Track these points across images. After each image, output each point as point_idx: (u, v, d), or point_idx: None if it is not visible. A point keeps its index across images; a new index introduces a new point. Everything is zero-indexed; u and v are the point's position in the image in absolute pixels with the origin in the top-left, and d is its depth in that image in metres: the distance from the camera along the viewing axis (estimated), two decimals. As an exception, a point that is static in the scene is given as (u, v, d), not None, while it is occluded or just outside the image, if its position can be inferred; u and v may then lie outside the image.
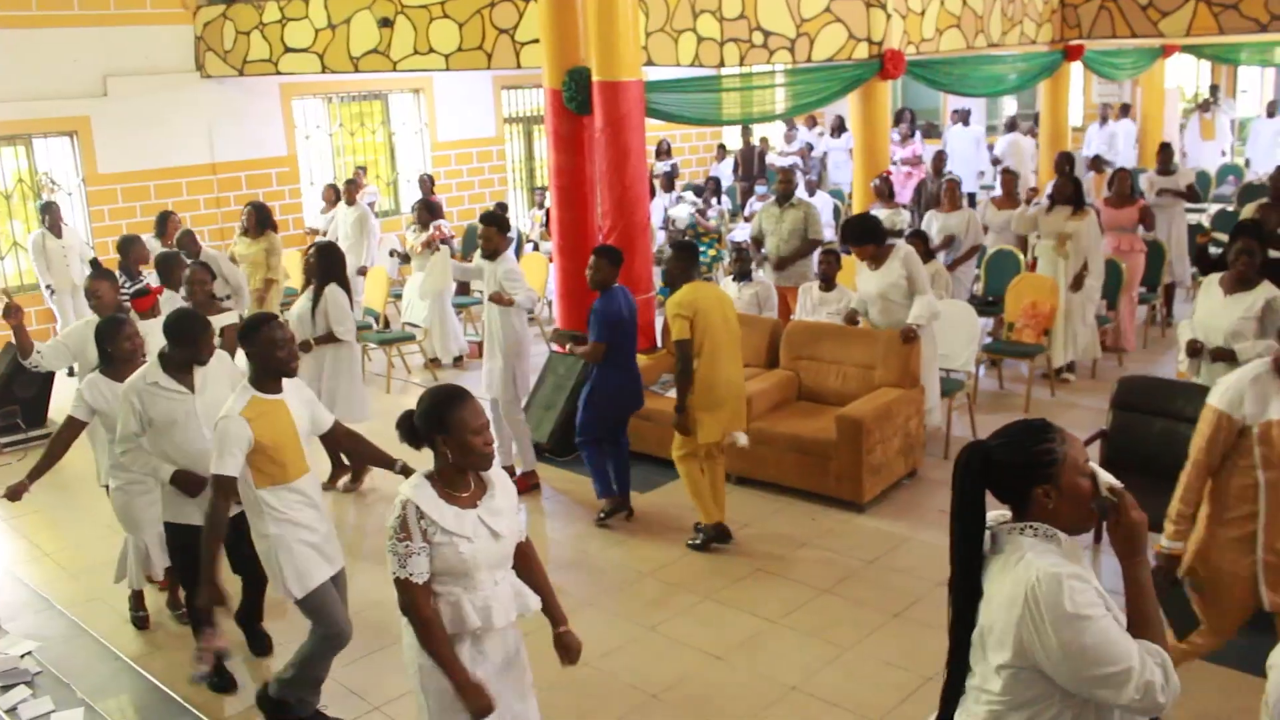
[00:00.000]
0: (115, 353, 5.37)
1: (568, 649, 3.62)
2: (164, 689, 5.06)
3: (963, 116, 16.31)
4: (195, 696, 5.04)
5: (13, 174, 11.96)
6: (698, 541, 6.47)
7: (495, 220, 7.27)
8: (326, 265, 7.21)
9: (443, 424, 3.30)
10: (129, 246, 8.85)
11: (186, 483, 4.90)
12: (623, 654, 5.33)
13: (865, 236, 7.43)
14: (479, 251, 7.40)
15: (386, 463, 4.69)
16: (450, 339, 10.70)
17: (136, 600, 5.92)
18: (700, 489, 6.42)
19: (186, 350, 4.93)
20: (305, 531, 4.45)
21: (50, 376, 8.53)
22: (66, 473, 5.97)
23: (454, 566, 3.31)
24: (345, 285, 7.27)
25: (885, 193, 10.04)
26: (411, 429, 3.42)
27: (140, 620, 5.89)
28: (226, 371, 5.14)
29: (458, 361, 10.76)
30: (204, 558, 4.41)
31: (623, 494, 6.92)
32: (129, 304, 6.65)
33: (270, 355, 4.35)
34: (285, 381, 4.47)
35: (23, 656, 5.29)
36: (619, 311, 6.62)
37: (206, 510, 4.39)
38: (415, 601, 3.30)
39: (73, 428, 5.36)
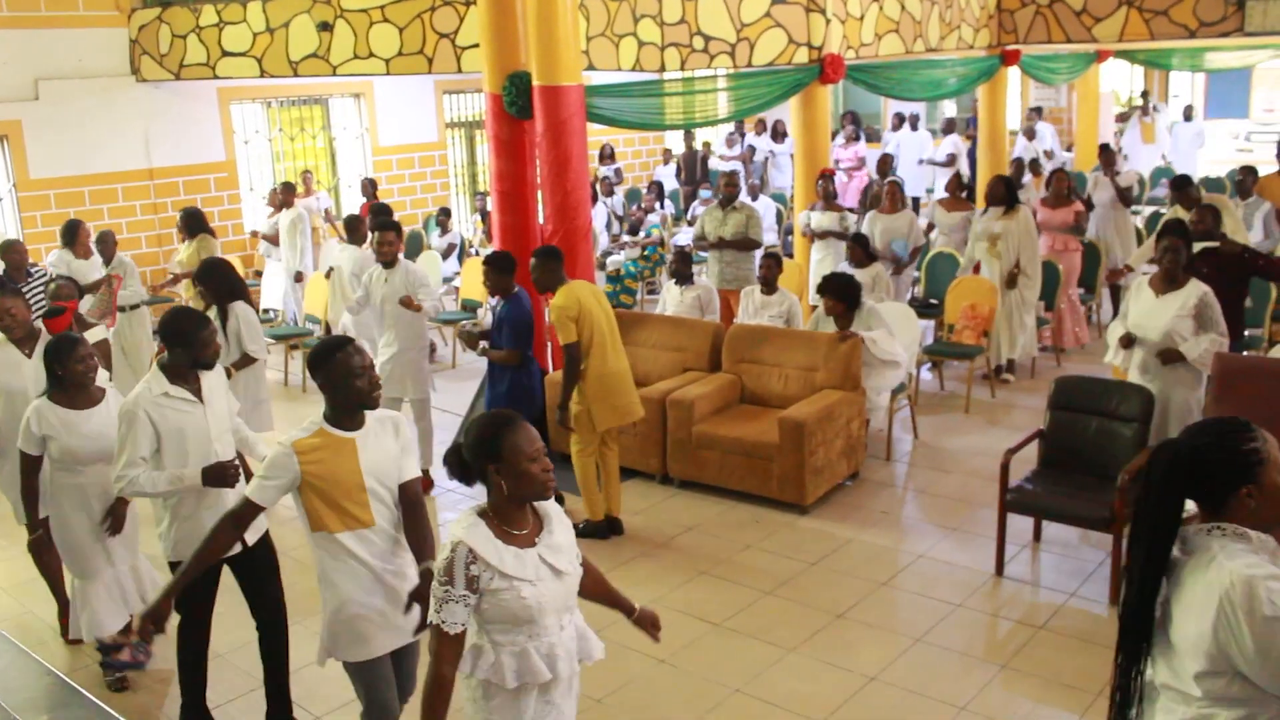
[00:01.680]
0: (67, 376, 4.89)
1: (652, 624, 3.56)
2: (100, 704, 4.95)
3: (911, 121, 16.51)
4: (132, 711, 4.95)
5: (-59, 180, 11.71)
6: (579, 528, 6.57)
7: (396, 227, 7.62)
8: (220, 283, 6.79)
9: (495, 452, 2.98)
10: (7, 251, 8.44)
11: (220, 475, 4.43)
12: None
13: (845, 295, 7.47)
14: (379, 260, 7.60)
15: (419, 555, 3.82)
16: None
17: (106, 655, 5.37)
18: (591, 485, 6.61)
19: (185, 352, 4.45)
20: (358, 592, 3.78)
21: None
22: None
23: (518, 614, 2.99)
24: (247, 298, 6.97)
25: (830, 194, 10.10)
26: (461, 464, 3.10)
27: (118, 683, 5.31)
28: (223, 383, 4.77)
29: None
30: (180, 574, 3.89)
31: None
32: (40, 325, 5.88)
33: (348, 385, 3.69)
34: (374, 418, 3.82)
35: (-49, 674, 5.17)
36: (528, 316, 6.79)
37: (215, 526, 3.85)
38: (440, 652, 2.97)
39: (28, 462, 4.96)
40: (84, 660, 5.52)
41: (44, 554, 5.67)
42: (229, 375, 6.46)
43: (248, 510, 3.75)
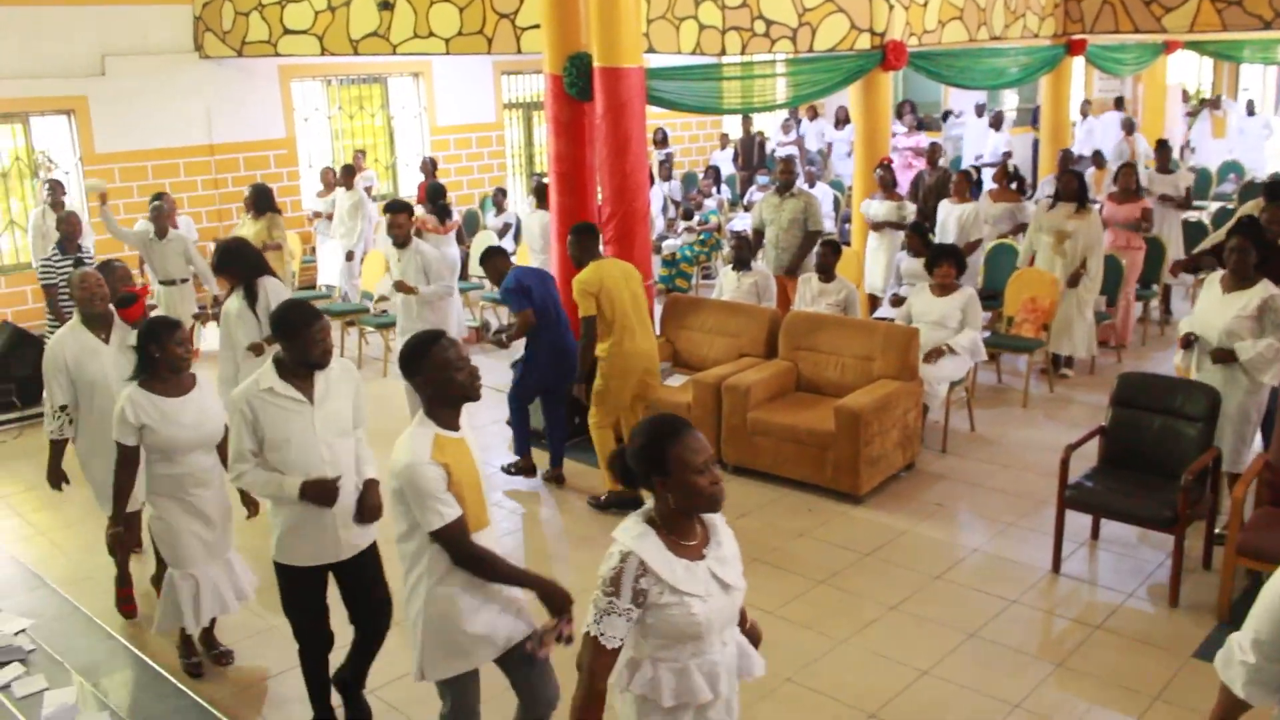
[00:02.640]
0: (165, 358, 4.66)
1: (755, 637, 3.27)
2: (156, 668, 5.03)
3: (977, 109, 16.36)
4: (188, 676, 5.02)
5: (10, 152, 11.90)
6: (601, 500, 6.84)
7: (405, 208, 7.66)
8: (241, 264, 6.51)
9: (660, 464, 2.79)
10: (61, 222, 8.62)
11: (319, 492, 4.16)
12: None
13: (960, 261, 7.82)
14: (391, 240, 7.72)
15: None
16: (454, 319, 10.74)
17: (186, 646, 5.24)
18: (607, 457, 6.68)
19: (291, 347, 4.16)
20: (468, 602, 3.58)
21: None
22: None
23: (685, 630, 2.80)
24: (270, 272, 6.74)
25: (888, 183, 9.98)
26: (626, 470, 2.91)
27: (194, 668, 5.19)
28: (351, 382, 4.41)
29: None
30: (513, 580, 3.63)
31: (555, 460, 7.36)
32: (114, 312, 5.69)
33: (448, 379, 3.50)
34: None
35: (16, 634, 5.26)
36: (521, 281, 7.01)
37: (465, 564, 3.53)
38: (594, 667, 2.79)
39: (127, 454, 4.73)
40: (142, 626, 5.59)
41: (118, 546, 5.55)
42: (260, 351, 6.42)
43: (461, 526, 3.47)
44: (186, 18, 12.41)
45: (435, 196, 11.07)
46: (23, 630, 5.33)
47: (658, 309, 8.67)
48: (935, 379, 7.44)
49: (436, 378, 3.50)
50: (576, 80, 8.02)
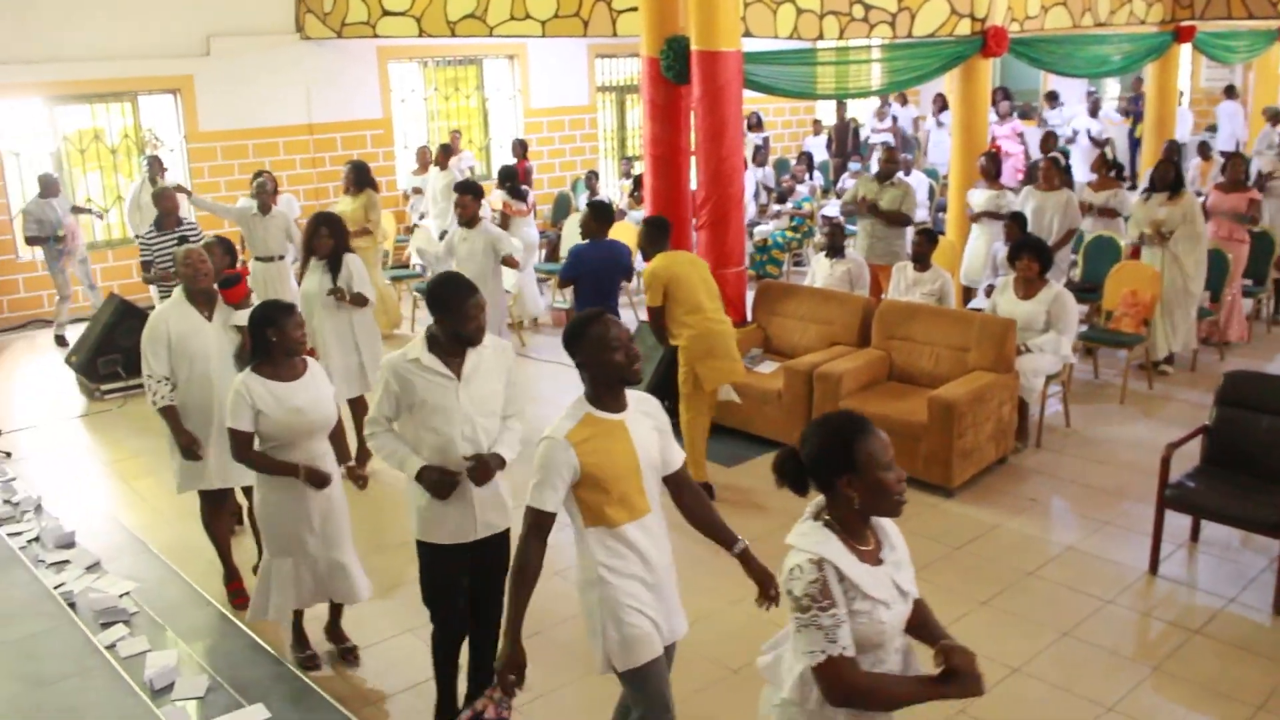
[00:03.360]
0: (284, 343, 4.55)
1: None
2: (253, 636, 5.18)
3: (1089, 98, 16.09)
4: (282, 645, 5.13)
5: (119, 130, 12.26)
6: None
7: (471, 189, 7.73)
8: (334, 235, 6.86)
9: (850, 461, 2.65)
10: (159, 199, 8.75)
11: (434, 482, 4.11)
12: (700, 629, 5.28)
13: (1043, 255, 7.45)
14: (455, 220, 7.88)
15: (728, 540, 3.84)
16: (530, 301, 10.85)
17: (299, 640, 5.08)
18: (700, 449, 6.69)
19: (446, 321, 4.09)
20: (639, 590, 3.52)
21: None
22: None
23: (870, 639, 2.66)
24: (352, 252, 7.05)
25: (991, 172, 9.77)
26: (797, 470, 2.77)
27: (308, 661, 5.02)
28: (504, 363, 4.32)
29: (534, 323, 10.98)
30: (509, 609, 3.46)
31: None
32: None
33: (606, 360, 3.41)
34: (632, 398, 3.55)
35: (121, 596, 5.47)
36: (581, 256, 7.27)
37: (517, 551, 3.47)
38: (851, 679, 2.62)
39: (241, 439, 4.56)
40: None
41: (212, 522, 5.57)
42: (341, 297, 6.79)
43: (545, 522, 3.41)
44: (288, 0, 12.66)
45: (505, 178, 11.15)
46: (127, 593, 5.54)
47: (749, 295, 8.63)
48: (1030, 372, 7.29)
49: (594, 358, 3.42)
50: (674, 63, 8.01)
